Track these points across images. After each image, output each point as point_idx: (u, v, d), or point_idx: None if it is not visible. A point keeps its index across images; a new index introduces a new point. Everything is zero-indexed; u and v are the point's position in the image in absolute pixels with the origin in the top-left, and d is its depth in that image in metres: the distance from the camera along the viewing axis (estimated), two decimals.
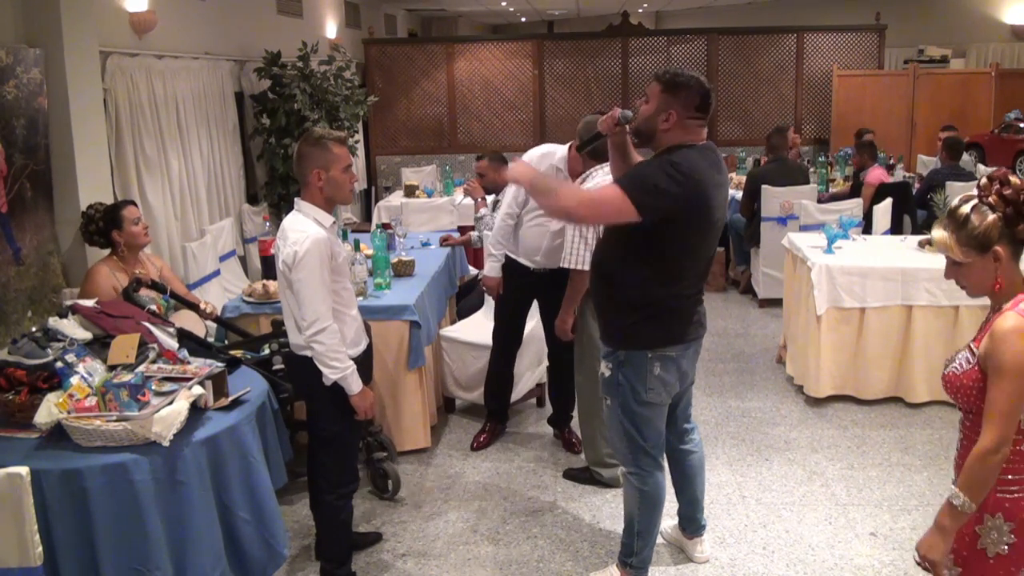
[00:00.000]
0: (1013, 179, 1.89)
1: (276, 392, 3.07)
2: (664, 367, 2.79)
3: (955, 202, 1.96)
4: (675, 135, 2.67)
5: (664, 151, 2.68)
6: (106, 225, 3.83)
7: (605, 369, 2.88)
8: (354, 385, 2.86)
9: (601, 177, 3.54)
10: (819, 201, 6.47)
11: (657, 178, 2.56)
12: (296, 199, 2.89)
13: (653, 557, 3.10)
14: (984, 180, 1.93)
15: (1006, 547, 1.87)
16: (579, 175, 3.70)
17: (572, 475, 3.97)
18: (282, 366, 3.45)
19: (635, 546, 3.01)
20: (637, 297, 2.73)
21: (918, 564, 1.95)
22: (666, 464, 3.25)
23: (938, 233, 1.96)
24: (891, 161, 8.11)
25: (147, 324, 2.89)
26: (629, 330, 2.78)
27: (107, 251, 3.94)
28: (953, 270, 1.97)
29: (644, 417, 2.85)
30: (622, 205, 2.55)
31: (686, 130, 2.68)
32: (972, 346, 1.95)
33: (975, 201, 1.91)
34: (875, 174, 6.67)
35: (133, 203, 4.04)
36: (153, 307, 3.33)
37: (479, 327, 4.63)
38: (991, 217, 1.87)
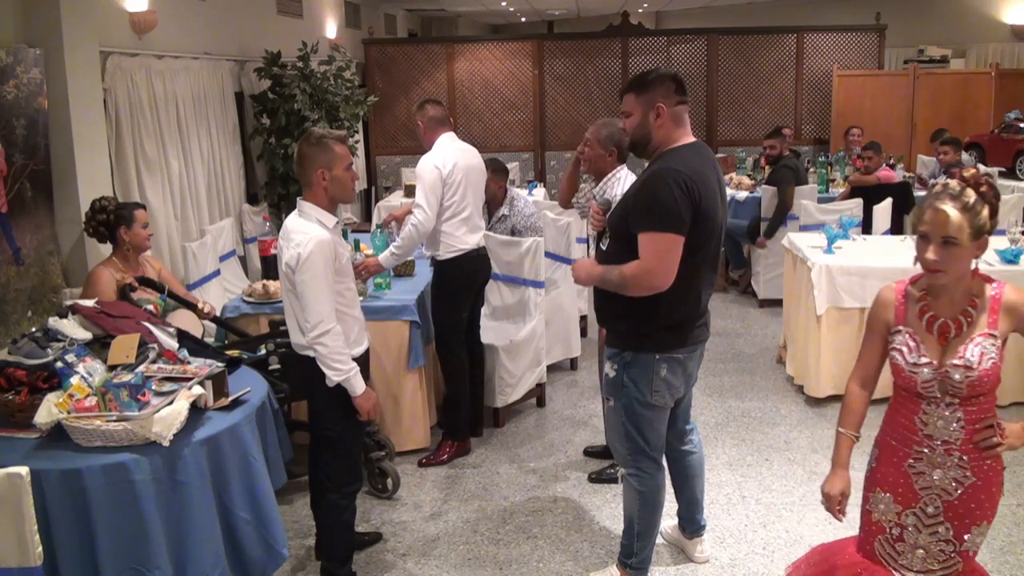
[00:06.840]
0: (984, 185, 1.99)
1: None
2: (671, 370, 2.79)
3: (952, 185, 1.97)
4: (667, 129, 2.70)
5: (657, 158, 2.69)
6: (116, 220, 3.82)
7: (610, 370, 2.88)
8: (357, 387, 2.86)
9: (625, 176, 3.51)
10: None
11: (671, 198, 2.57)
12: (299, 200, 2.88)
13: (653, 557, 3.10)
14: (969, 172, 1.99)
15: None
16: (604, 176, 3.55)
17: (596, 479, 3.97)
18: (278, 366, 3.45)
19: (635, 547, 3.02)
20: (648, 302, 2.71)
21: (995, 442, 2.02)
22: (666, 464, 3.24)
23: (954, 214, 1.93)
24: (891, 161, 8.10)
25: (147, 324, 2.88)
26: (638, 333, 2.77)
27: (107, 249, 3.94)
28: (946, 251, 1.96)
29: (647, 419, 2.86)
30: (670, 243, 2.58)
31: (677, 120, 2.71)
32: (990, 331, 1.99)
33: (972, 191, 1.96)
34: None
35: (145, 208, 4.05)
36: (150, 307, 3.32)
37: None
38: (987, 210, 1.97)
